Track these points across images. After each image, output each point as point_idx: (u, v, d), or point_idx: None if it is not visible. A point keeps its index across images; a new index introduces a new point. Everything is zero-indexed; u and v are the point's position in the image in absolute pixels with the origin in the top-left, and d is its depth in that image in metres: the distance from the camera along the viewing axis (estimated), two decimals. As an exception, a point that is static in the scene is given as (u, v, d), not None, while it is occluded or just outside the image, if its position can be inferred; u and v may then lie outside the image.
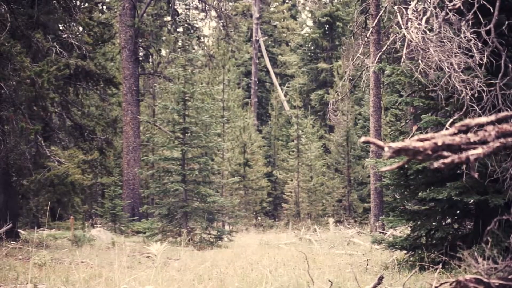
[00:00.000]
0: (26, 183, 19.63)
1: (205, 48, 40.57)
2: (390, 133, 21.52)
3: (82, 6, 22.66)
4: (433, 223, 13.11)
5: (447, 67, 11.46)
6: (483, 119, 3.13)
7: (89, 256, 16.08)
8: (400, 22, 13.03)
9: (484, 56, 11.49)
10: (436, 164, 2.98)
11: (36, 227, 25.36)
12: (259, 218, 41.04)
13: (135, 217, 31.52)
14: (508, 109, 11.44)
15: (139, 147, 33.41)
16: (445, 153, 3.01)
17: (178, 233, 22.24)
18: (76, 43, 21.22)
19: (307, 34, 56.82)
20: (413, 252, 13.44)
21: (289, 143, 43.99)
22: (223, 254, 17.53)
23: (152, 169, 29.50)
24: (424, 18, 12.14)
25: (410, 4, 13.97)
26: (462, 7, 11.98)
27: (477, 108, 11.55)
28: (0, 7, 18.70)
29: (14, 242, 18.45)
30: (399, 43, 17.86)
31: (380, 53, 23.18)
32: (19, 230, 21.56)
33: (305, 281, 10.06)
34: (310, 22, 60.32)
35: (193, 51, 34.35)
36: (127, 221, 29.84)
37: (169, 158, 23.36)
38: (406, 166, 12.57)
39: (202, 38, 47.58)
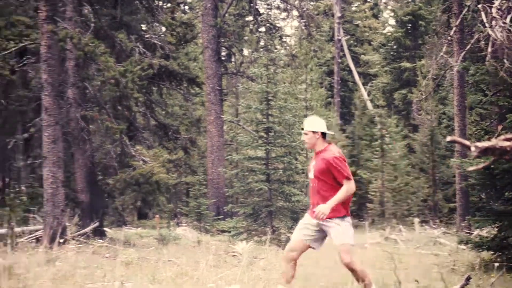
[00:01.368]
0: (112, 182, 19.73)
1: (288, 47, 40.35)
2: (475, 132, 20.90)
3: (165, 7, 22.72)
4: (520, 223, 12.52)
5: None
6: None
7: (175, 254, 15.96)
8: (484, 21, 12.49)
9: None
10: (524, 163, 2.67)
11: (122, 226, 25.53)
12: (343, 217, 40.44)
13: (220, 216, 31.43)
14: None
15: (223, 147, 33.32)
16: (532, 153, 2.73)
17: (263, 232, 22.05)
18: (159, 43, 21.25)
19: (389, 33, 55.98)
20: (500, 253, 12.89)
21: (373, 143, 43.31)
22: (308, 253, 17.20)
23: (236, 168, 29.36)
24: (509, 16, 11.57)
25: (494, 3, 13.38)
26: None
27: None
28: (84, 8, 18.84)
29: (100, 240, 18.55)
30: (483, 42, 17.24)
31: (464, 52, 22.54)
32: (105, 228, 21.71)
33: (392, 281, 9.67)
34: (392, 21, 59.44)
35: (276, 50, 34.10)
36: (212, 220, 29.78)
37: (253, 158, 23.19)
38: (492, 165, 12.05)
39: (284, 37, 47.31)
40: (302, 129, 8.28)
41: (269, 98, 22.84)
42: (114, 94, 18.32)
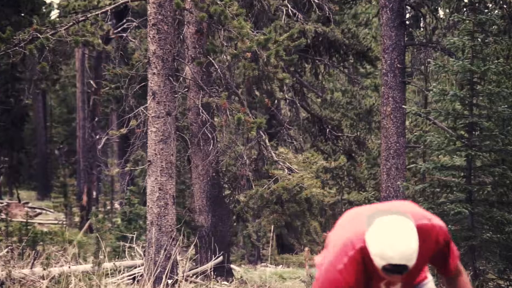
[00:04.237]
0: (244, 199, 19.76)
1: (504, 6, 39.32)
2: None
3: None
4: None
5: None
6: None
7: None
8: None
9: None
10: None
11: (256, 262, 25.53)
12: None
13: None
14: None
15: (404, 150, 32.86)
16: None
17: (461, 276, 21.60)
18: (316, 0, 21.12)
19: None
20: None
21: None
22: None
23: (422, 183, 28.92)
24: None
25: None
26: None
27: None
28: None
29: (225, 283, 18.64)
30: None
31: None
32: (232, 265, 21.76)
33: None
34: None
35: (486, 11, 33.27)
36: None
37: (448, 167, 22.71)
38: None
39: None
40: (400, 271, 5.71)
41: (474, 80, 22.37)
42: (250, 74, 18.44)
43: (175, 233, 17.35)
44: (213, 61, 19.37)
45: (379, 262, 5.50)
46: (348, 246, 5.71)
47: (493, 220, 21.66)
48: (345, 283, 5.74)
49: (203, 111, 19.22)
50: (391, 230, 5.44)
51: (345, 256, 5.71)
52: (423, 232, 5.81)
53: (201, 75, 19.74)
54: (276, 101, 22.55)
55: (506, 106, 22.51)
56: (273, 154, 20.03)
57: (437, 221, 6.05)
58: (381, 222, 5.48)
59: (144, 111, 18.51)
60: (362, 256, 5.71)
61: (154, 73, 17.19)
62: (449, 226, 22.12)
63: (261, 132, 19.67)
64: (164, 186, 17.19)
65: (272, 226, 21.77)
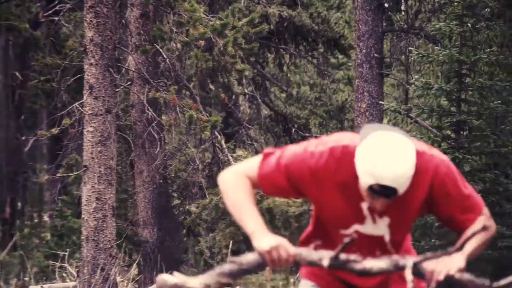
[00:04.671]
0: (195, 210, 19.61)
1: (496, -12, 39.53)
2: None
3: None
4: None
5: None
6: None
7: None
8: None
9: None
10: None
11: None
12: None
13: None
14: None
15: (382, 152, 32.90)
16: None
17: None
18: (282, -21, 21.12)
19: None
20: None
21: None
22: None
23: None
24: None
25: None
26: None
27: None
28: None
29: (174, 306, 18.34)
30: None
31: None
32: (181, 287, 21.56)
33: None
34: None
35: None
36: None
37: (433, 171, 22.55)
38: None
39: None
40: (388, 194, 5.28)
41: (463, 72, 22.26)
42: (204, 65, 18.52)
43: (114, 250, 17.23)
44: (160, 49, 19.29)
45: (366, 180, 5.00)
46: (331, 140, 5.26)
47: (484, 233, 21.47)
48: (308, 167, 5.12)
49: (149, 108, 19.07)
50: (387, 146, 5.04)
51: (322, 145, 5.22)
52: (419, 161, 5.15)
53: (146, 66, 19.70)
54: (234, 96, 22.39)
55: (499, 101, 22.34)
56: (230, 158, 19.92)
57: (439, 153, 5.40)
58: (378, 136, 5.08)
59: (80, 108, 18.27)
60: (343, 155, 5.19)
61: (91, 64, 16.91)
62: (433, 240, 21.95)
63: (216, 132, 19.72)
64: (102, 195, 16.94)
65: (230, 242, 21.57)
